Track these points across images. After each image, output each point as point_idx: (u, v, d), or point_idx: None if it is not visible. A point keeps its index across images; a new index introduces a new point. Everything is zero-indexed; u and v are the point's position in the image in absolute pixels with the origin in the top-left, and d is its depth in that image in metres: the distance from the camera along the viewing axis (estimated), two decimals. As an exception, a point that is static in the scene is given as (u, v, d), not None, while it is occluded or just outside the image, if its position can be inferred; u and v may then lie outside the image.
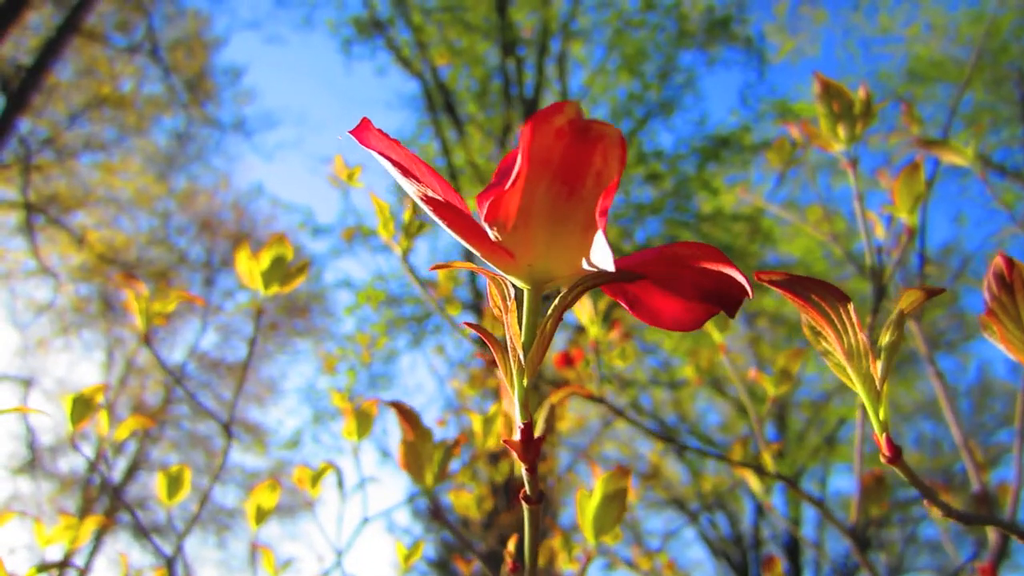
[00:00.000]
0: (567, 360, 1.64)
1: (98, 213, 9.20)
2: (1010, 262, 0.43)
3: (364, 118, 0.35)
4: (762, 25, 8.11)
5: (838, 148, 0.89)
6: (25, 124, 7.78)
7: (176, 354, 9.97)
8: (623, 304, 0.36)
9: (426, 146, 7.71)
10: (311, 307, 9.93)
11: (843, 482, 10.73)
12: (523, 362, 0.36)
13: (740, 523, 8.87)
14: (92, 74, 8.77)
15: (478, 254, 0.36)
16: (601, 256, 0.32)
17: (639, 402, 7.48)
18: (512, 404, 0.36)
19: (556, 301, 0.36)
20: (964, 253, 7.88)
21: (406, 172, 0.35)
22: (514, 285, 0.37)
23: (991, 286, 0.43)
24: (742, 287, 0.33)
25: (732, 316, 0.34)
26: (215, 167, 10.78)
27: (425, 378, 19.10)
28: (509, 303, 0.36)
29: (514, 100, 7.36)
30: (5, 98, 6.44)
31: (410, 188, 0.36)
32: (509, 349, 0.36)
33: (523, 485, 0.39)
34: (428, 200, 0.35)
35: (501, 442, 1.15)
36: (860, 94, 0.85)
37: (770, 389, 1.22)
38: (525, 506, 0.39)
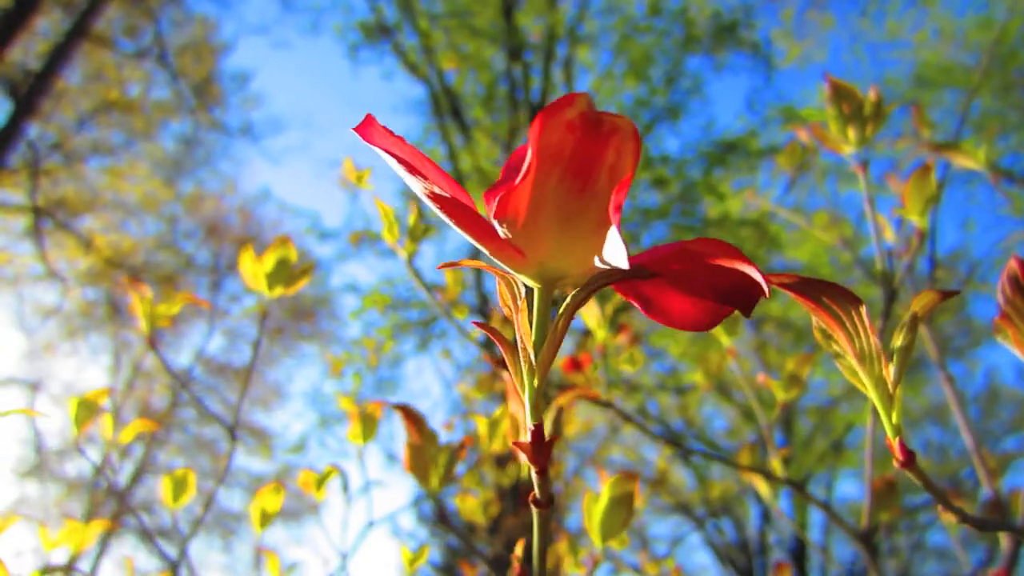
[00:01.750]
0: (575, 364, 1.64)
1: (105, 217, 9.24)
2: (1025, 264, 0.42)
3: (368, 115, 0.34)
4: (769, 30, 8.09)
5: (848, 151, 0.88)
6: (33, 129, 7.81)
7: (182, 358, 9.99)
8: (635, 303, 0.35)
9: (432, 150, 7.72)
10: (317, 311, 9.95)
11: (849, 488, 10.70)
12: (534, 362, 0.35)
13: (746, 529, 8.84)
14: (100, 79, 8.81)
15: (487, 252, 0.35)
16: (615, 253, 0.31)
17: (646, 407, 7.47)
18: (522, 406, 0.35)
19: (568, 299, 0.35)
20: (971, 259, 7.84)
21: (412, 169, 0.34)
22: (524, 284, 0.36)
23: (1005, 289, 0.43)
24: (759, 286, 0.32)
25: (748, 316, 0.33)
26: (222, 171, 10.79)
27: (431, 382, 19.11)
28: (520, 303, 0.35)
29: (520, 105, 7.36)
30: (14, 103, 6.47)
31: (416, 185, 0.35)
32: (520, 349, 0.35)
33: (531, 488, 0.38)
34: (434, 197, 0.34)
35: (507, 445, 1.15)
36: (871, 96, 0.84)
37: (779, 394, 1.21)
38: (535, 509, 0.39)
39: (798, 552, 8.03)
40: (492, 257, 0.36)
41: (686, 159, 7.40)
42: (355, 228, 7.70)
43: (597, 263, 0.34)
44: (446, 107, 7.46)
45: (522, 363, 0.35)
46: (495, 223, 0.33)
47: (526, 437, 0.36)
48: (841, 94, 0.85)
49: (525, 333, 0.35)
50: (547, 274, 0.35)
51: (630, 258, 0.32)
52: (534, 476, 0.38)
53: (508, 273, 0.36)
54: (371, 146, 0.34)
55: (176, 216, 10.11)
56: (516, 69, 7.46)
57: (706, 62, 7.97)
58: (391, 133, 0.34)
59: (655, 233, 7.42)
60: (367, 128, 0.34)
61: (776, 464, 1.20)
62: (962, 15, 7.50)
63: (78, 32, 6.78)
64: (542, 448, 0.36)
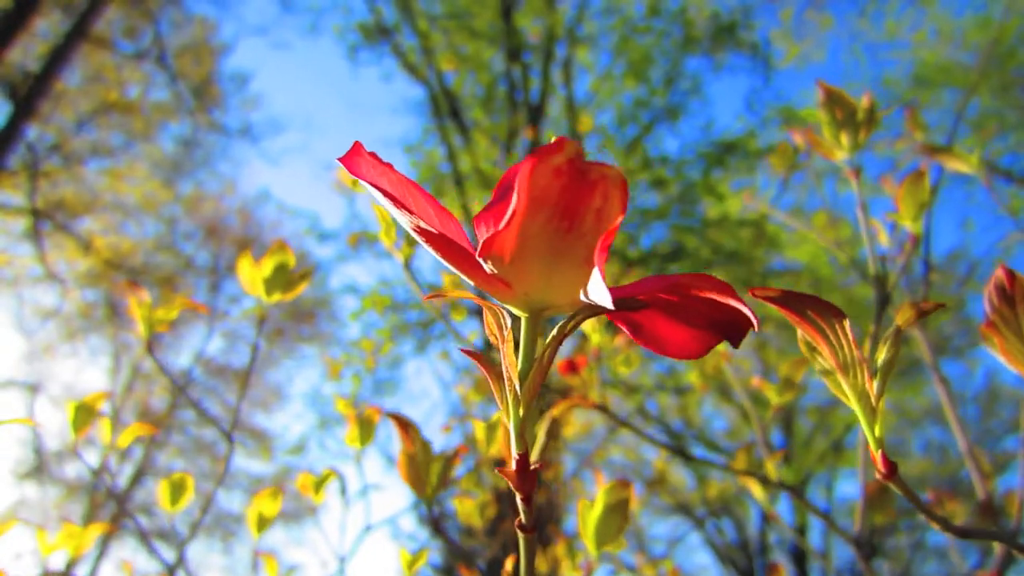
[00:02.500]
0: (571, 367, 1.64)
1: (105, 219, 9.23)
2: (1011, 274, 0.42)
3: (356, 143, 0.34)
4: (768, 31, 8.09)
5: (841, 156, 0.88)
6: (33, 130, 7.81)
7: (182, 359, 9.99)
8: (624, 328, 0.35)
9: (431, 152, 7.72)
10: (316, 313, 9.95)
11: (850, 488, 10.70)
12: (519, 392, 0.35)
13: (746, 529, 8.83)
14: (99, 80, 8.80)
15: (473, 284, 0.36)
16: (598, 294, 0.31)
17: (645, 407, 7.46)
18: (508, 433, 0.36)
19: (555, 331, 0.35)
20: (970, 259, 7.83)
21: (397, 202, 0.34)
22: (511, 313, 0.36)
23: (992, 298, 0.43)
24: (748, 319, 0.32)
25: (737, 347, 0.34)
26: (221, 173, 10.82)
27: (430, 384, 19.09)
28: (505, 332, 0.35)
29: (520, 106, 7.36)
30: (13, 104, 6.46)
31: (402, 219, 0.35)
32: (505, 379, 0.36)
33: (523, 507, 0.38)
34: (420, 232, 0.34)
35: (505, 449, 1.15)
36: (863, 101, 0.85)
37: (773, 398, 1.22)
38: (521, 534, 0.39)
39: (798, 552, 8.03)
40: (479, 288, 0.36)
41: (685, 160, 7.40)
42: (354, 229, 7.70)
43: (583, 297, 0.34)
44: (445, 108, 7.46)
45: (507, 392, 0.35)
46: (481, 261, 0.33)
47: (513, 464, 0.36)
48: (833, 99, 0.85)
49: (511, 364, 0.35)
50: (533, 305, 0.35)
51: (620, 289, 0.33)
52: (520, 502, 0.38)
53: (494, 303, 0.36)
54: (358, 179, 0.34)
55: (175, 217, 10.12)
56: (515, 70, 7.46)
57: (705, 63, 7.97)
58: (379, 161, 0.34)
59: (654, 233, 7.42)
60: (353, 159, 0.34)
61: (770, 467, 1.20)
62: (960, 15, 7.51)
63: (77, 33, 6.77)
64: (527, 476, 0.36)
